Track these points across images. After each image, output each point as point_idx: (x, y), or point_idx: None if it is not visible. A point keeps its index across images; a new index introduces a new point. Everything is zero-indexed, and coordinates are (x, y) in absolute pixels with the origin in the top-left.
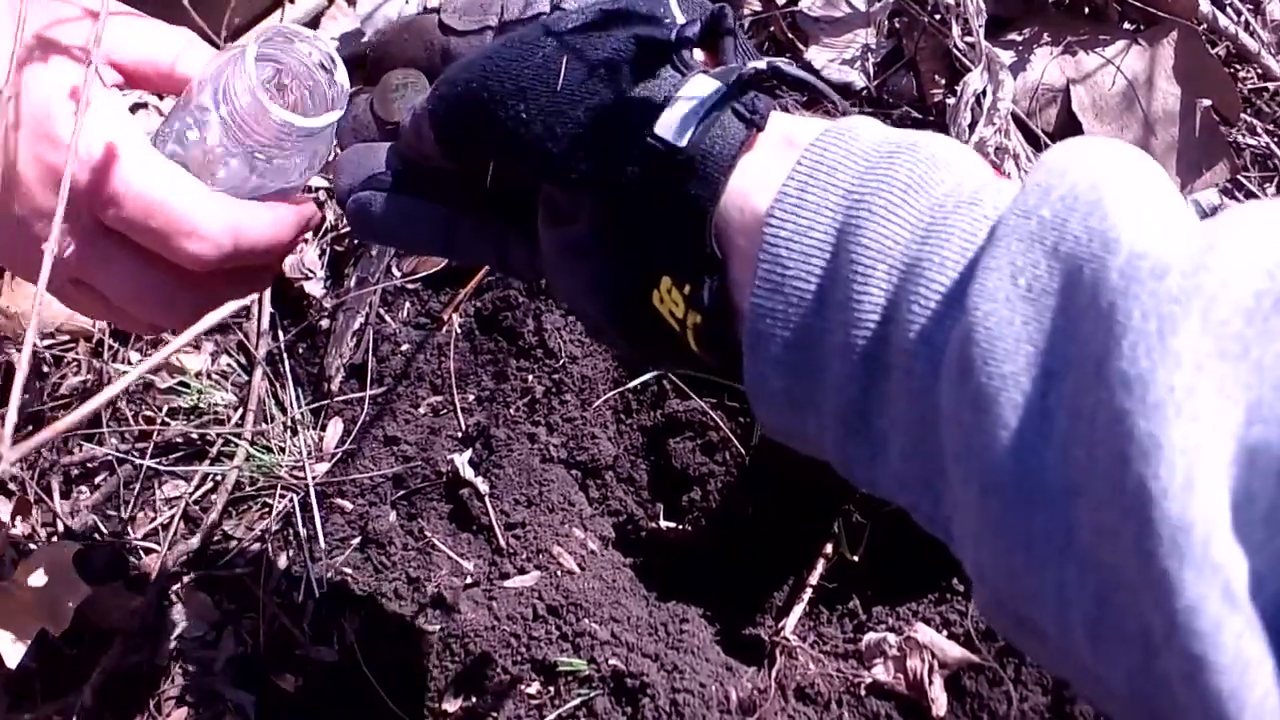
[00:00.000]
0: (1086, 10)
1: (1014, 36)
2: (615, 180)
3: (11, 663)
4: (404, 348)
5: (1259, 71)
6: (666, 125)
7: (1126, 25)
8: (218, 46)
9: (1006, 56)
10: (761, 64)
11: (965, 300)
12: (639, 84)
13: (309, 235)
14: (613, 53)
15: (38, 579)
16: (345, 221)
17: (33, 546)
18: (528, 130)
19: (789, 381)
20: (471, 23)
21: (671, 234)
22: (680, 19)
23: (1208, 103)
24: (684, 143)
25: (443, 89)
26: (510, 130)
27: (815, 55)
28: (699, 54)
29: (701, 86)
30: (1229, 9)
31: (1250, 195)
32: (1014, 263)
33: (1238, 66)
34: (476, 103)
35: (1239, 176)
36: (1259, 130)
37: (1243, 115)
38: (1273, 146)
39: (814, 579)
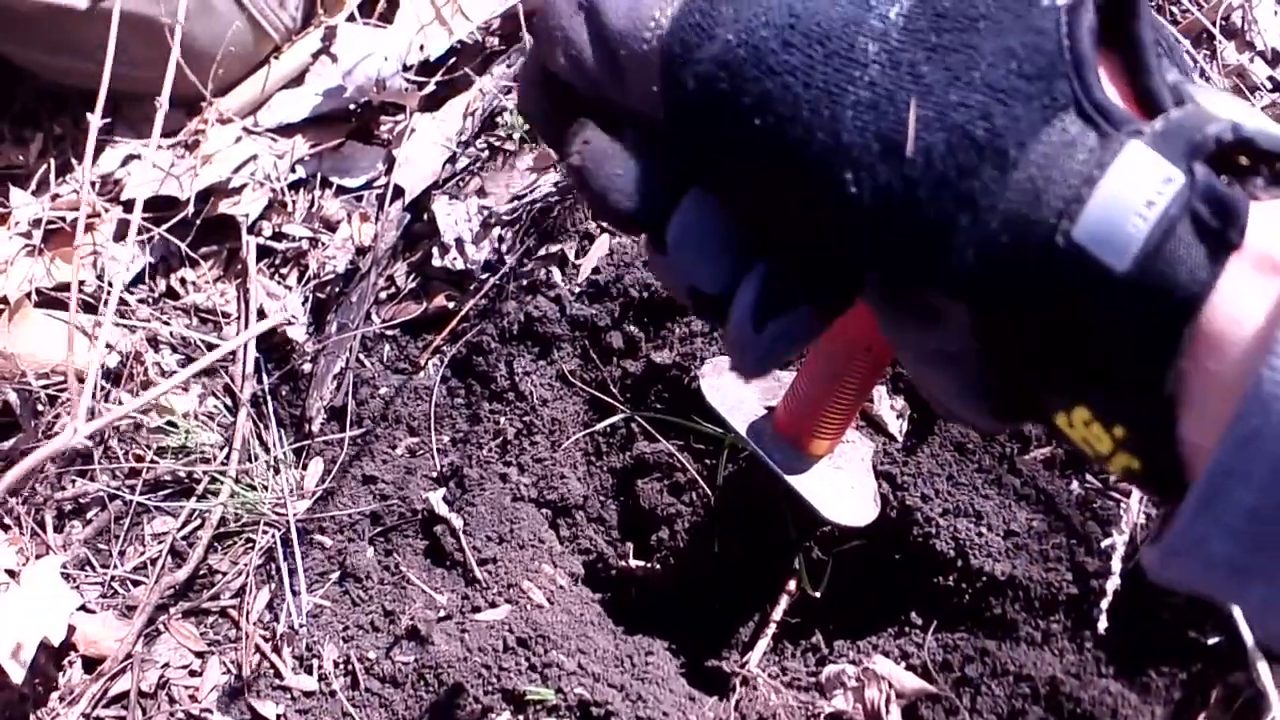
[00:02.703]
0: None
1: None
2: (1008, 290)
3: (17, 678)
4: (382, 391)
5: None
6: (1094, 233)
7: None
8: (208, 101)
9: None
10: (1224, 126)
11: None
12: (1032, 141)
13: (293, 284)
14: (988, 92)
15: (32, 590)
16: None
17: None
18: (855, 204)
19: (1242, 552)
20: None
21: (1098, 366)
22: None
23: None
24: (1125, 267)
25: (708, 58)
26: (821, 195)
27: None
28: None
29: (1140, 171)
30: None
31: None
32: None
33: None
34: (769, 132)
35: None
36: None
37: None
38: None
39: (778, 614)
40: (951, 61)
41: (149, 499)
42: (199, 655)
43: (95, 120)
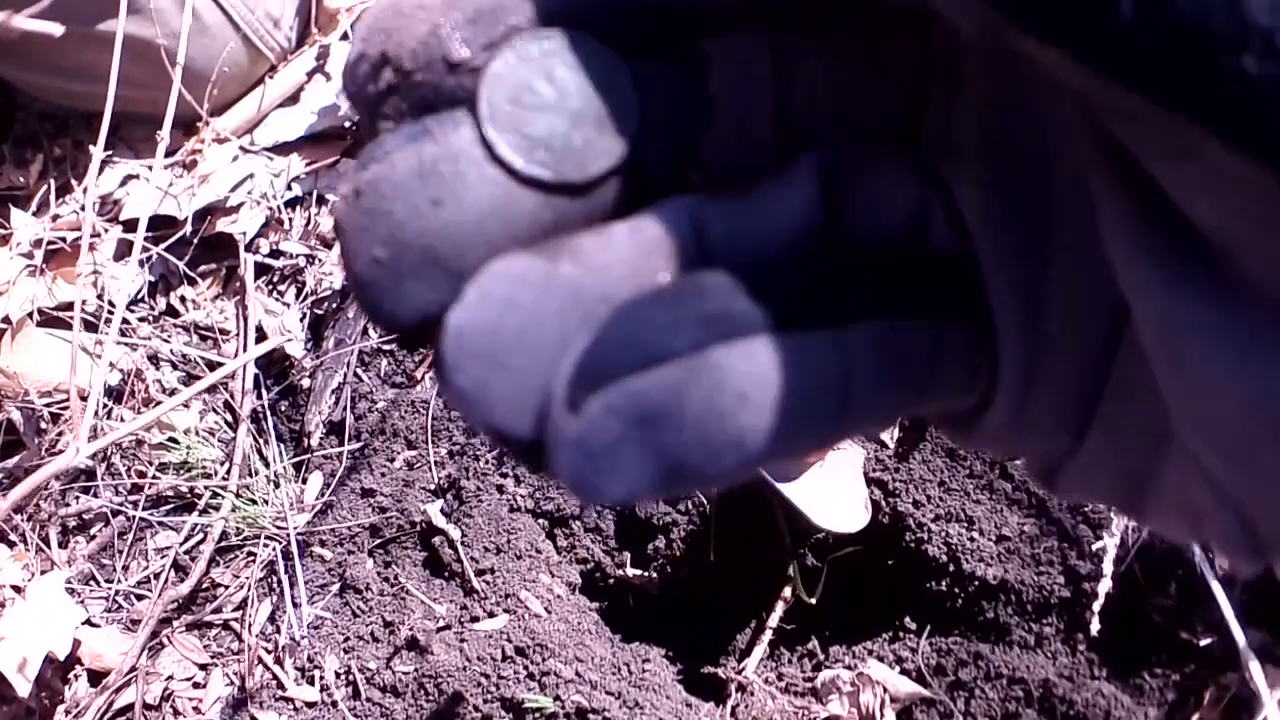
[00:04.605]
0: None
1: None
2: None
3: (23, 692)
4: (380, 405)
5: None
6: None
7: None
8: (204, 121)
9: None
10: None
11: None
12: None
13: (291, 301)
14: None
15: (37, 605)
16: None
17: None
18: None
19: None
20: None
21: None
22: None
23: None
24: None
25: None
26: None
27: None
28: None
29: None
30: None
31: None
32: None
33: None
34: None
35: None
36: None
37: None
38: None
39: (773, 621)
40: None
41: (151, 514)
42: (202, 667)
43: (98, 153)
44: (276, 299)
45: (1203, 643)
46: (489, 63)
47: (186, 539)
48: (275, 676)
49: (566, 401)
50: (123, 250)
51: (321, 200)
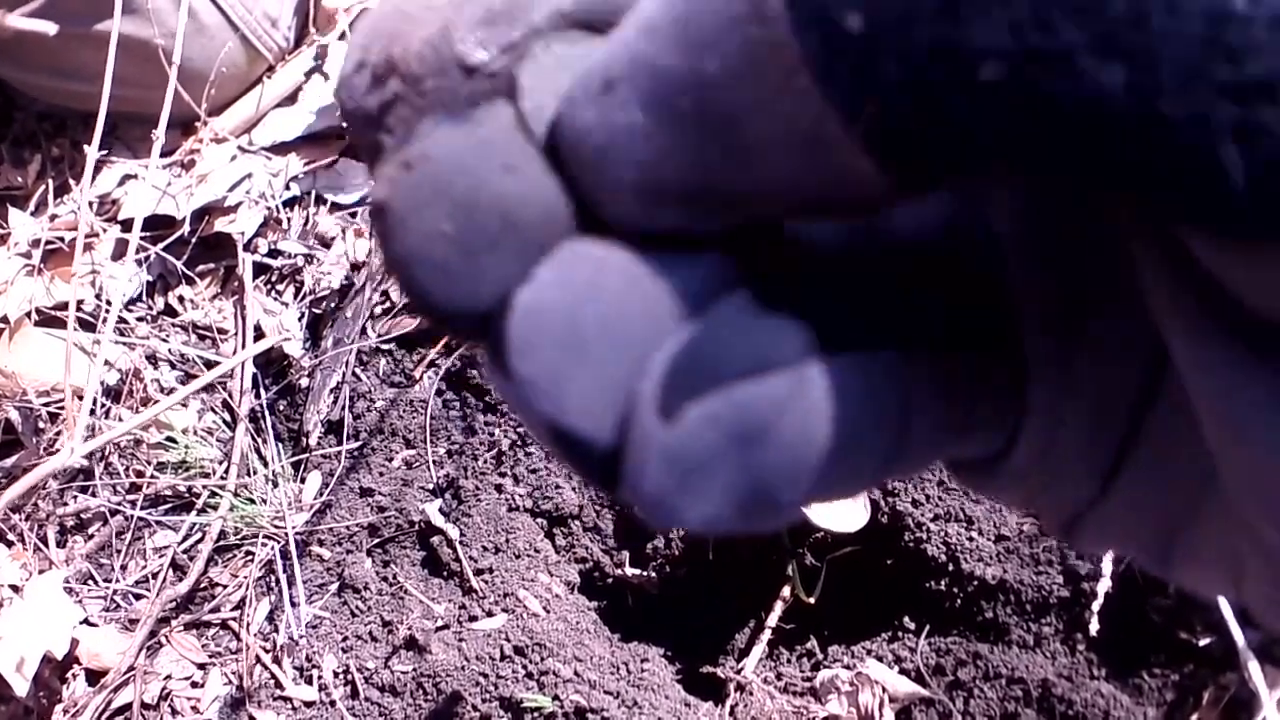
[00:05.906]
0: None
1: None
2: None
3: (21, 691)
4: (378, 404)
5: None
6: None
7: None
8: (203, 121)
9: None
10: None
11: None
12: None
13: (289, 300)
14: None
15: (35, 604)
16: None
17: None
18: None
19: None
20: None
21: None
22: None
23: None
24: None
25: None
26: None
27: None
28: None
29: None
30: None
31: None
32: None
33: None
34: None
35: None
36: None
37: None
38: None
39: (772, 620)
40: None
41: (150, 514)
42: (200, 667)
43: (93, 151)
44: (275, 298)
45: (1202, 643)
46: (517, 69)
47: (185, 538)
48: (273, 676)
49: (659, 405)
50: (121, 250)
51: (320, 200)
